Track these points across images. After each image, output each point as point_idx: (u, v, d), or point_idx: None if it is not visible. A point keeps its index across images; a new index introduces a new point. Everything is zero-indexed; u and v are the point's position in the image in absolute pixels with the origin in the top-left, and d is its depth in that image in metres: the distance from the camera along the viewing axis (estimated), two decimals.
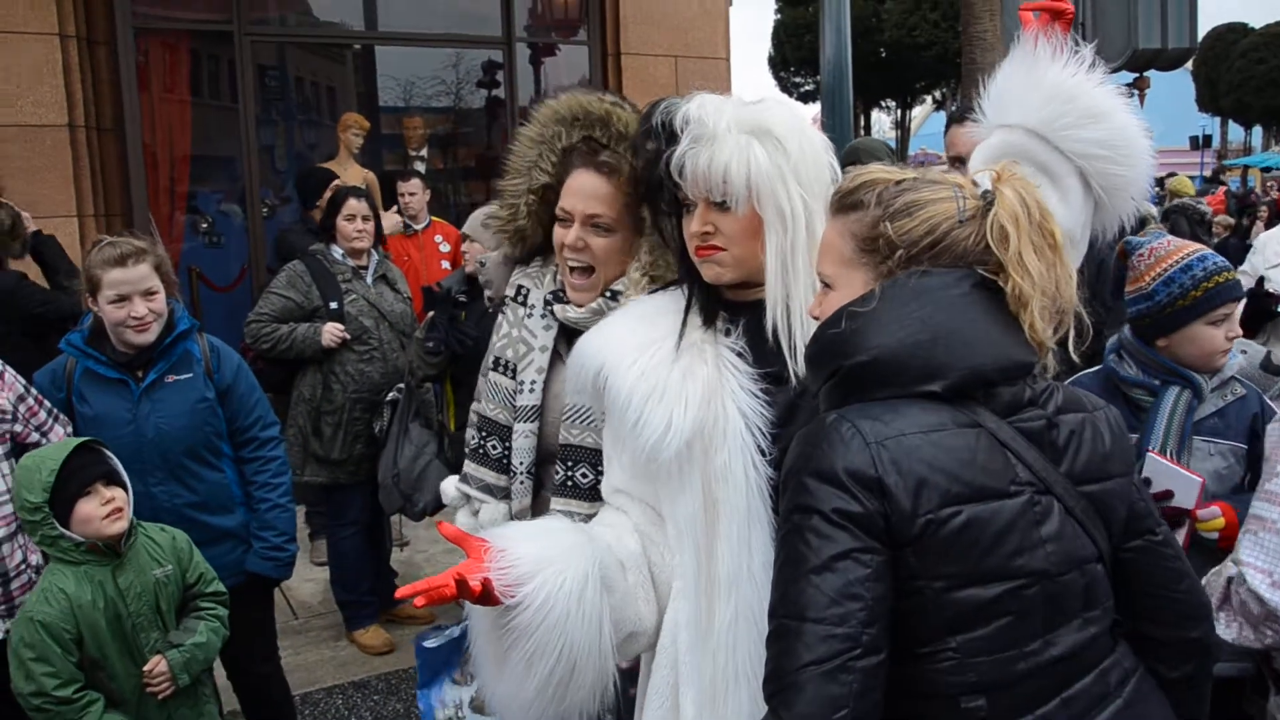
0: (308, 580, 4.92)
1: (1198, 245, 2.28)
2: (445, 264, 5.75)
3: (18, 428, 2.68)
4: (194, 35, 6.53)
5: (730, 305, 1.66)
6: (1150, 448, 2.15)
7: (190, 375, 2.83)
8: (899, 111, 31.30)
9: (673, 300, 1.72)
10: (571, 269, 1.92)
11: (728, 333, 1.64)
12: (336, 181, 5.07)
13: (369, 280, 4.30)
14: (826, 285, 1.42)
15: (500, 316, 2.09)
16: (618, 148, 1.88)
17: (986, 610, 1.24)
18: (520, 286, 2.07)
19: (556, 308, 1.99)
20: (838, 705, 1.17)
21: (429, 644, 2.61)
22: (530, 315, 2.04)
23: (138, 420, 2.75)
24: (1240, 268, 4.92)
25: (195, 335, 2.89)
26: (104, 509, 2.36)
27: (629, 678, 1.73)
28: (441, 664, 2.63)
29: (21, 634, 2.32)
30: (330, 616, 4.52)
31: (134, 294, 2.68)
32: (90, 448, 2.43)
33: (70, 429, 2.76)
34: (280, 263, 5.13)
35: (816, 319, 1.43)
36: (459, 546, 1.49)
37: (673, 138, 1.55)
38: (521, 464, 2.01)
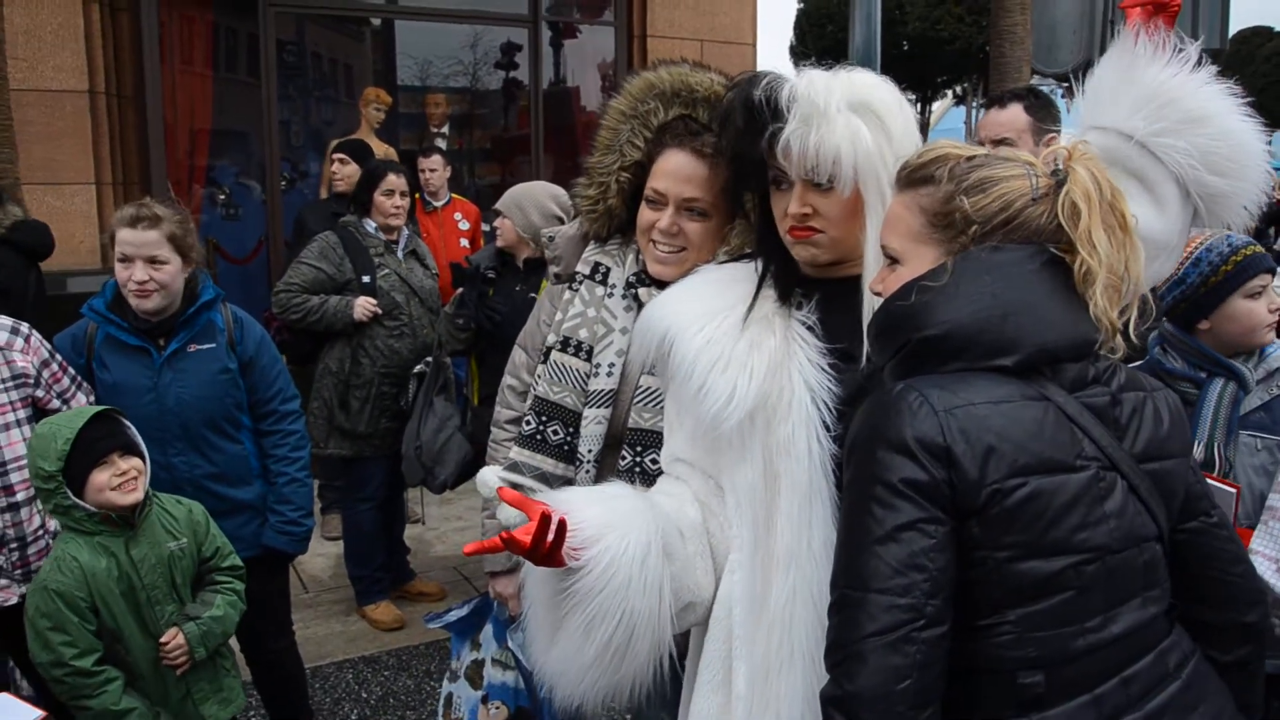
0: (319, 555, 4.91)
1: (1221, 231, 2.20)
2: (464, 241, 5.72)
3: (40, 393, 2.66)
4: (217, 5, 6.49)
5: (806, 280, 1.62)
6: (1197, 443, 2.11)
7: (213, 345, 2.80)
8: (919, 105, 31.09)
9: (744, 270, 1.68)
10: (662, 251, 1.86)
11: (799, 306, 1.61)
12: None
13: (400, 255, 4.27)
14: (893, 260, 1.39)
15: (570, 294, 2.02)
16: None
17: (1048, 584, 1.23)
18: (599, 264, 2.01)
19: (641, 291, 1.92)
20: (901, 676, 1.16)
21: (432, 625, 2.59)
22: (611, 295, 1.98)
23: (159, 389, 2.72)
24: None
25: (219, 305, 2.86)
26: (117, 479, 2.32)
27: (683, 649, 1.71)
28: (455, 636, 2.62)
29: (37, 604, 2.29)
30: (341, 591, 4.52)
31: (137, 257, 2.64)
32: (108, 416, 2.39)
33: (93, 397, 2.73)
34: (297, 239, 5.09)
35: (878, 294, 1.41)
36: (520, 510, 1.45)
37: (776, 114, 1.49)
38: (590, 451, 1.95)
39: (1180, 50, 1.69)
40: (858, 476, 1.26)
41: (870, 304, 1.50)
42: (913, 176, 1.37)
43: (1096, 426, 1.28)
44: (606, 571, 1.44)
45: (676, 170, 1.83)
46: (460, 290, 3.96)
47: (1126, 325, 1.34)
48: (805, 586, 1.47)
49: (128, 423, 2.44)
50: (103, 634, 2.34)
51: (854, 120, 1.46)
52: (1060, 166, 1.33)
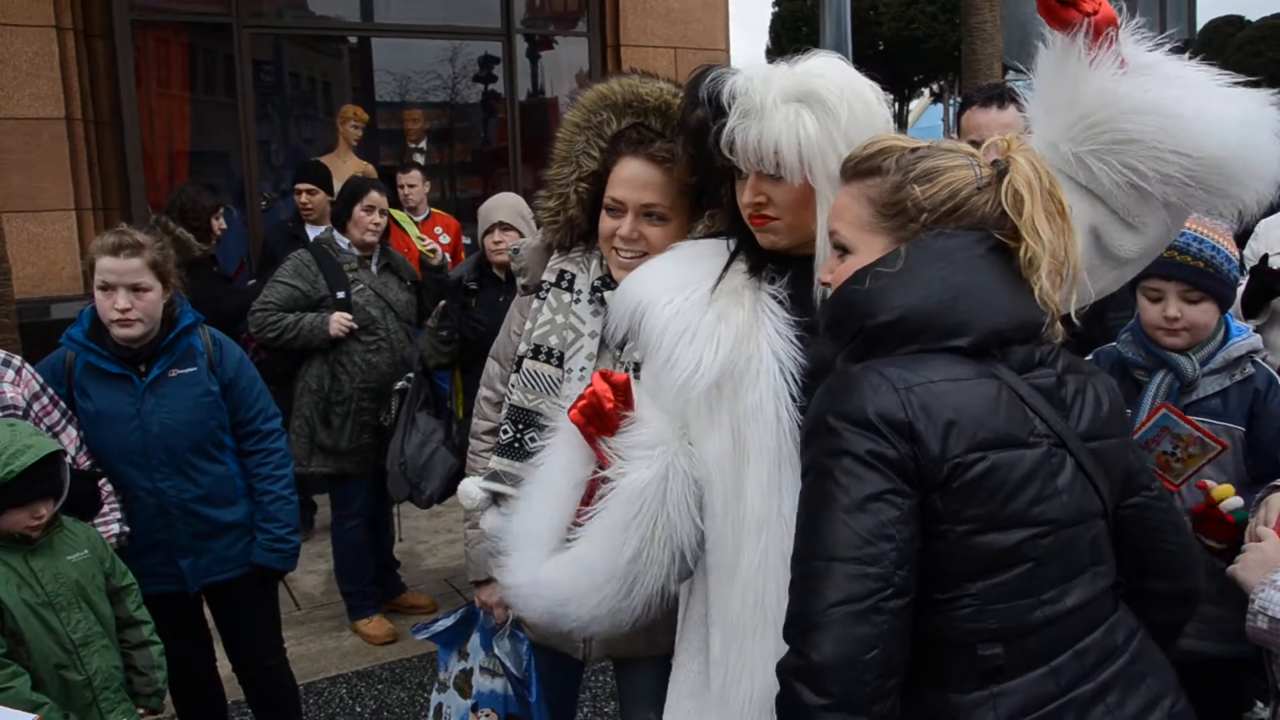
0: (310, 571, 4.93)
1: (1207, 227, 2.19)
2: (445, 255, 5.75)
3: None
4: (192, 28, 6.51)
5: (778, 257, 1.66)
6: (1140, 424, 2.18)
7: (194, 369, 2.82)
8: (896, 105, 31.27)
9: (719, 246, 1.73)
10: (625, 257, 1.90)
11: (772, 280, 1.65)
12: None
13: (374, 269, 4.30)
14: (842, 249, 1.43)
15: (538, 303, 2.06)
16: (675, 137, 1.84)
17: (1007, 556, 1.26)
18: (564, 272, 2.05)
19: (607, 295, 1.96)
20: (869, 645, 1.17)
21: (420, 637, 2.62)
22: (578, 301, 2.02)
23: (142, 416, 2.73)
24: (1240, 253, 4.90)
25: (199, 329, 2.88)
26: (33, 521, 2.33)
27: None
28: (442, 646, 2.65)
29: None
30: (332, 607, 4.53)
31: (120, 285, 2.65)
32: (54, 458, 2.36)
33: (82, 431, 2.73)
34: (262, 264, 5.11)
35: (827, 285, 1.45)
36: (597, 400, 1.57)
37: (720, 110, 1.54)
38: None
39: (1116, 55, 1.51)
40: (820, 454, 1.27)
41: (821, 289, 1.54)
42: (859, 168, 1.41)
43: (1045, 406, 1.33)
44: (659, 475, 1.54)
45: (633, 178, 1.87)
46: (443, 304, 3.99)
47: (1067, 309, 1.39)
48: (776, 550, 1.51)
49: (66, 465, 2.42)
50: (6, 632, 2.31)
51: (794, 111, 1.49)
52: (1000, 157, 1.38)
